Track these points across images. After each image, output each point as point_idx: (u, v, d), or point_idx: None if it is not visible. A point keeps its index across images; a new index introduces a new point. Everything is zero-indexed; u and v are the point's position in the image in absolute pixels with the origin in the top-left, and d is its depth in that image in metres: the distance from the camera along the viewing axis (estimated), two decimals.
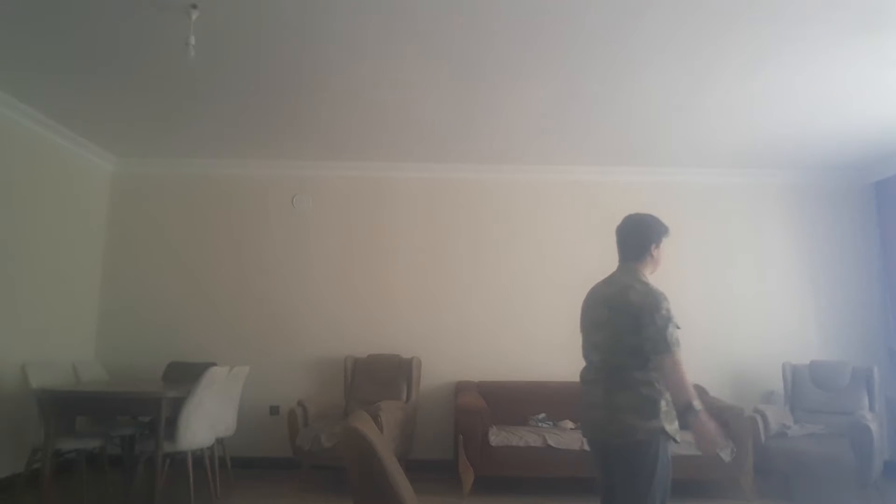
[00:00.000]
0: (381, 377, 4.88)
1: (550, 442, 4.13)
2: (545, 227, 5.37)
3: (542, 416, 4.62)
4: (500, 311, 5.24)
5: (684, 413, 2.05)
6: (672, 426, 2.12)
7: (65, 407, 3.65)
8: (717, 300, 5.20)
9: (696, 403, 2.02)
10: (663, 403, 2.11)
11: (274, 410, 5.02)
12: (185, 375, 4.45)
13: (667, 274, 5.27)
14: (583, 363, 2.35)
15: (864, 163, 5.16)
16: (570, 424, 4.46)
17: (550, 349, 4.92)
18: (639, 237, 2.29)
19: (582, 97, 3.99)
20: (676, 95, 3.94)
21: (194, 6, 2.90)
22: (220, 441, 4.18)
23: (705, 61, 3.47)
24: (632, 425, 2.10)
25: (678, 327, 2.13)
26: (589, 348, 2.31)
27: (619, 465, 2.15)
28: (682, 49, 3.33)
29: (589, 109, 4.20)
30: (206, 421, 3.76)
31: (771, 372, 4.87)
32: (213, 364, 3.94)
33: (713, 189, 5.41)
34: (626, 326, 2.13)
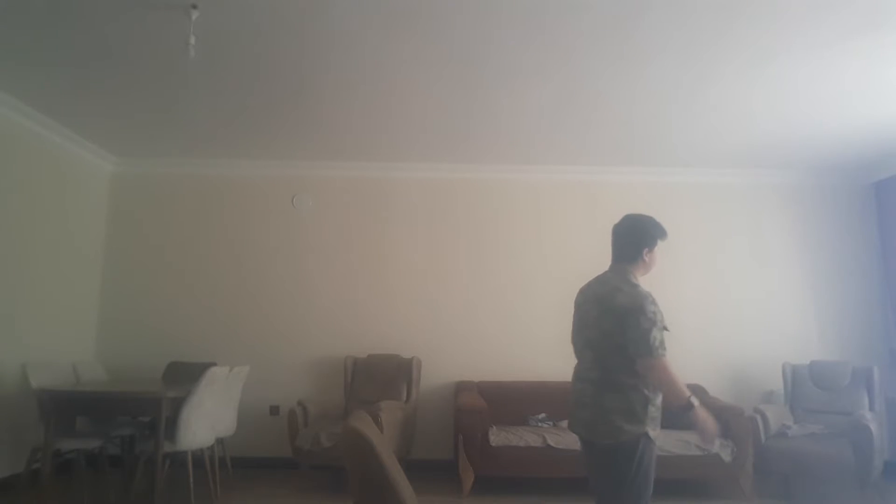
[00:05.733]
0: (381, 377, 4.88)
1: (550, 442, 4.13)
2: (545, 226, 5.37)
3: (542, 416, 4.62)
4: (501, 310, 5.24)
5: (684, 412, 2.07)
6: (655, 431, 2.16)
7: (65, 407, 3.65)
8: (716, 300, 5.21)
9: (694, 400, 2.07)
10: (652, 409, 2.14)
11: (274, 410, 5.02)
12: (185, 375, 4.45)
13: (667, 274, 5.30)
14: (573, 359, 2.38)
15: (864, 163, 5.16)
16: None
17: (550, 349, 4.90)
18: (633, 240, 2.29)
19: (582, 97, 3.99)
20: (676, 95, 3.94)
21: (194, 6, 2.90)
22: (220, 441, 4.18)
23: (705, 61, 3.47)
24: (619, 427, 2.13)
25: (666, 329, 2.15)
26: (581, 345, 2.33)
27: (602, 463, 2.20)
28: (682, 49, 3.33)
29: (589, 109, 4.19)
30: (206, 421, 3.76)
31: (771, 372, 4.87)
32: (213, 364, 3.94)
33: (713, 189, 5.41)
34: (612, 327, 2.15)
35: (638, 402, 2.13)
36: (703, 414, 2.07)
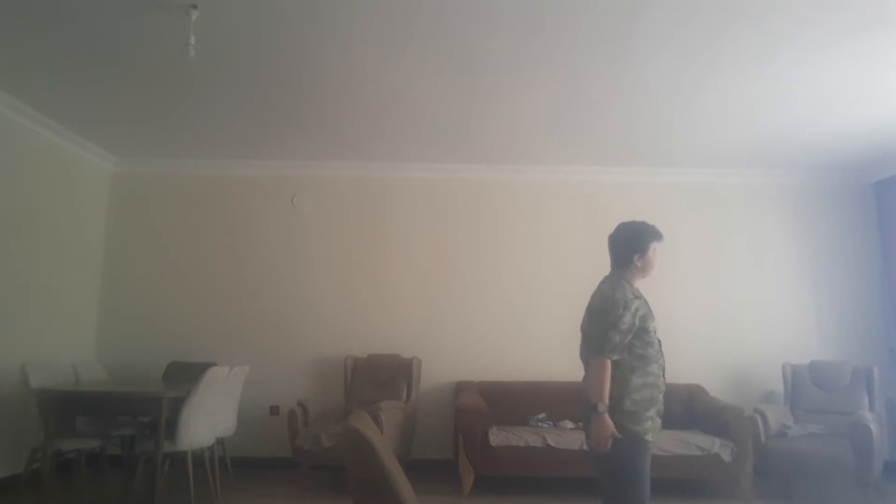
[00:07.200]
0: (381, 377, 4.88)
1: (550, 442, 4.13)
2: (545, 226, 5.37)
3: (542, 416, 4.62)
4: (501, 310, 5.23)
5: (589, 411, 2.16)
6: (640, 426, 2.17)
7: (65, 407, 3.64)
8: (717, 300, 5.20)
9: (601, 406, 2.14)
10: (628, 402, 2.18)
11: (274, 410, 5.02)
12: (185, 375, 4.46)
13: (667, 274, 5.32)
14: (581, 364, 2.43)
15: (864, 163, 5.16)
16: (570, 424, 4.46)
17: (550, 349, 4.92)
18: (624, 248, 2.37)
19: (582, 97, 3.99)
20: (677, 95, 3.94)
21: (194, 6, 2.90)
22: (220, 441, 4.18)
23: (706, 61, 3.47)
24: None
25: (646, 329, 2.22)
26: (580, 347, 2.43)
27: (596, 460, 2.26)
28: (682, 49, 3.33)
29: (589, 109, 4.19)
30: (206, 421, 3.76)
31: (771, 372, 4.88)
32: (213, 364, 3.94)
33: (713, 189, 5.40)
34: (587, 328, 2.32)
35: (613, 399, 2.17)
36: (601, 423, 2.13)
